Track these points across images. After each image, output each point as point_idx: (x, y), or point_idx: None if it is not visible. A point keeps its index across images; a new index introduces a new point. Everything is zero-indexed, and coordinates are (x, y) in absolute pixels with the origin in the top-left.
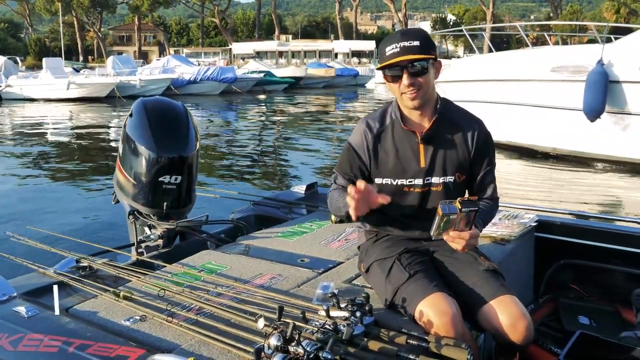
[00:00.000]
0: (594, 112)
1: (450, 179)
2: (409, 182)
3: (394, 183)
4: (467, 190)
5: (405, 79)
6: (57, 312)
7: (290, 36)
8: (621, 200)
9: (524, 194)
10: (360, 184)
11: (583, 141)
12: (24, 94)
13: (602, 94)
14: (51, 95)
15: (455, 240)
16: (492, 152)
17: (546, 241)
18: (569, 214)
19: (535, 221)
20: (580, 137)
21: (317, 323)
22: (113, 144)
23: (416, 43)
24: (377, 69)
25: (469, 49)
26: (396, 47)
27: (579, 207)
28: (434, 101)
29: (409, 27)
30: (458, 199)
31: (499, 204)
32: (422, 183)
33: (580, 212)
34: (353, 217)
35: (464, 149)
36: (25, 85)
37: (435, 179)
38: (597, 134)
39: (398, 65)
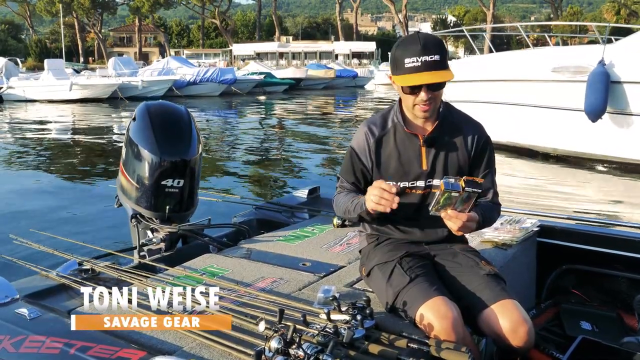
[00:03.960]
0: (595, 113)
1: None
2: (412, 184)
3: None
4: None
5: (423, 95)
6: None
7: (290, 37)
8: (623, 205)
9: (525, 198)
10: (393, 189)
11: (584, 142)
12: (27, 95)
13: (604, 94)
14: (53, 97)
15: (452, 219)
16: (491, 156)
17: (548, 246)
18: (571, 219)
19: (538, 226)
20: (581, 137)
21: (317, 326)
22: (116, 146)
23: (437, 57)
24: (397, 81)
25: (470, 50)
26: (417, 61)
27: (581, 212)
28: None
29: (409, 28)
30: (463, 177)
31: (501, 210)
32: (424, 185)
33: (583, 218)
34: (369, 209)
35: (464, 152)
36: (28, 86)
37: (436, 182)
38: (599, 135)
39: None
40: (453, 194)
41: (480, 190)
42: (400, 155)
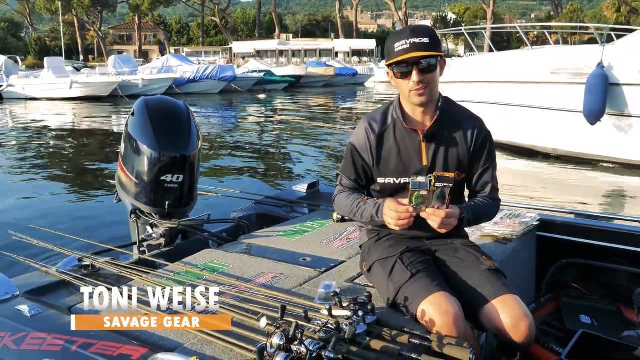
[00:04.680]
0: (594, 115)
1: None
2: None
3: (397, 182)
4: (467, 189)
5: (414, 76)
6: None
7: (290, 35)
8: (623, 200)
9: (525, 193)
10: (410, 208)
11: (583, 143)
12: (27, 93)
13: (602, 97)
14: (54, 95)
15: (430, 217)
16: (491, 151)
17: (548, 240)
18: (571, 213)
19: (537, 220)
20: (580, 139)
21: (319, 322)
22: (115, 143)
23: (425, 40)
24: (387, 65)
25: (470, 48)
26: (406, 44)
27: (580, 206)
28: (436, 99)
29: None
30: (434, 174)
31: (501, 204)
32: None
33: (582, 212)
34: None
35: (464, 146)
36: (28, 84)
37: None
38: (598, 136)
39: (407, 62)
40: (422, 192)
41: (451, 185)
42: (400, 151)
